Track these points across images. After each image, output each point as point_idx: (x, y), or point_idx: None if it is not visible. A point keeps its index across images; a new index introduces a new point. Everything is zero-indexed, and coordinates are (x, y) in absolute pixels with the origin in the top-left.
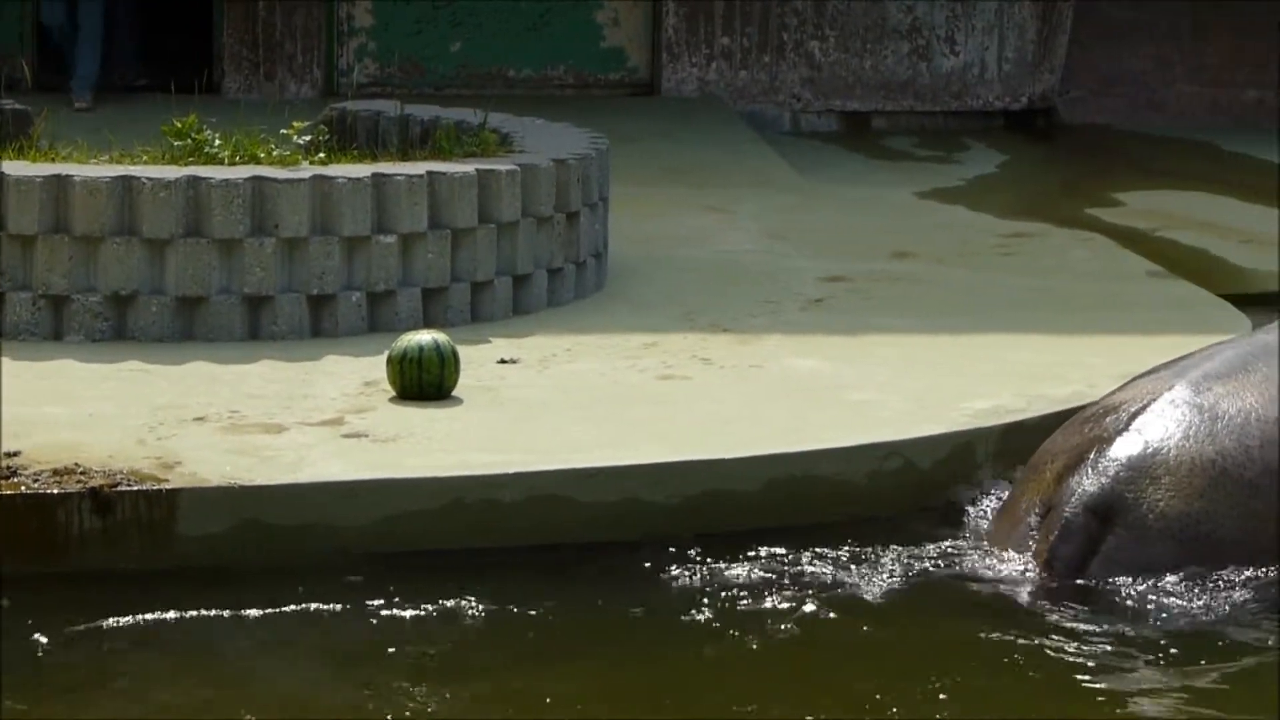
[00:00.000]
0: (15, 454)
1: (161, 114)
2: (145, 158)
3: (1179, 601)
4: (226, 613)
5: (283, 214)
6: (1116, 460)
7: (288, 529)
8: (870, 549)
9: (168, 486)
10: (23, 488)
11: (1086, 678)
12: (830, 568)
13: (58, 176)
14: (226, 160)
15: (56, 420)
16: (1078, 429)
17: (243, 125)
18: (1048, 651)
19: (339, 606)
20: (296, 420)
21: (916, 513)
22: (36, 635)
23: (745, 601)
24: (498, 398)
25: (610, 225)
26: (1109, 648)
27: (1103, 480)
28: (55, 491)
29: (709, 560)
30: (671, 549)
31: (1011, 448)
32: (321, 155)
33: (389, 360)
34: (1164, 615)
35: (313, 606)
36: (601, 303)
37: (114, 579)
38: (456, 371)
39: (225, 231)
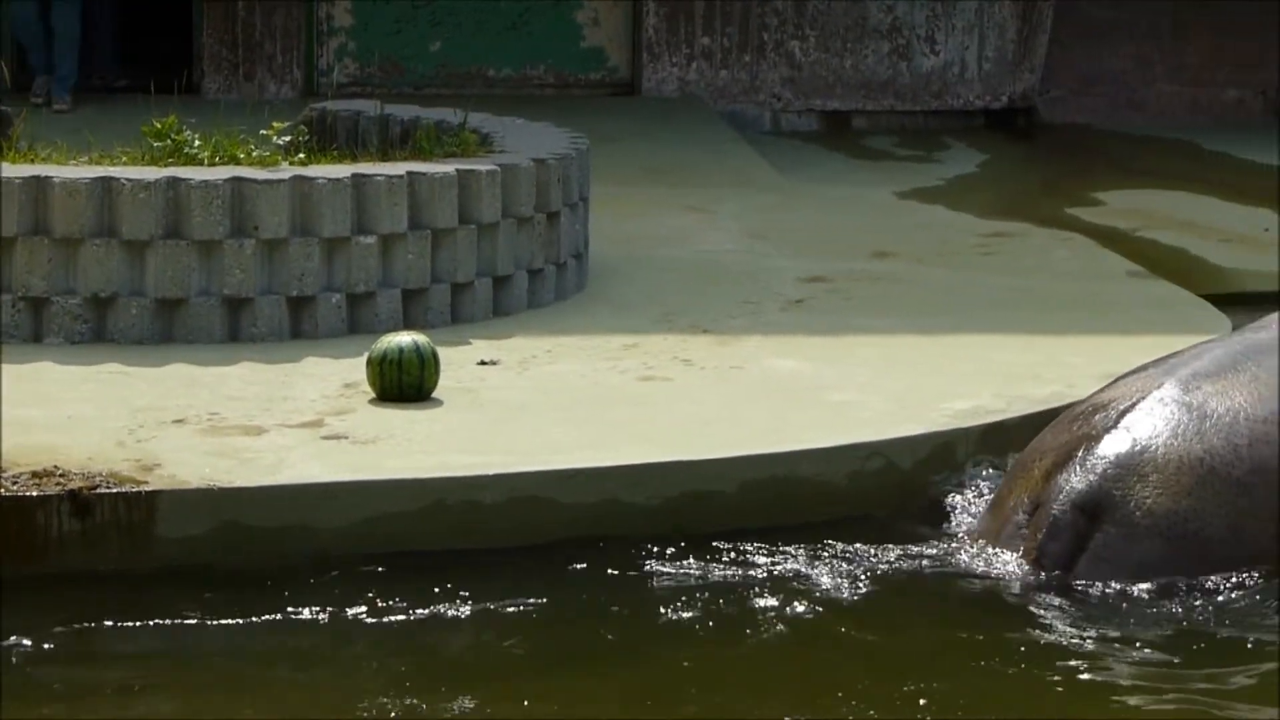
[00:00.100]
0: None
1: (141, 115)
2: (125, 159)
3: (1167, 599)
4: (207, 615)
5: (262, 215)
6: (1105, 458)
7: (267, 531)
8: (856, 548)
9: (147, 488)
10: (1, 490)
11: (1075, 675)
12: (817, 568)
13: (37, 178)
14: (206, 161)
15: (35, 422)
16: (1066, 427)
17: (222, 126)
18: (1037, 649)
19: (319, 608)
20: (276, 422)
21: (899, 512)
22: (14, 638)
23: (731, 602)
24: (478, 399)
25: (591, 225)
26: (1097, 645)
27: (1091, 478)
28: (34, 494)
29: (692, 560)
30: (653, 550)
31: (992, 447)
32: (301, 156)
33: (369, 362)
34: (1152, 612)
35: (293, 608)
36: (582, 304)
37: (93, 581)
38: (436, 373)
39: (205, 233)
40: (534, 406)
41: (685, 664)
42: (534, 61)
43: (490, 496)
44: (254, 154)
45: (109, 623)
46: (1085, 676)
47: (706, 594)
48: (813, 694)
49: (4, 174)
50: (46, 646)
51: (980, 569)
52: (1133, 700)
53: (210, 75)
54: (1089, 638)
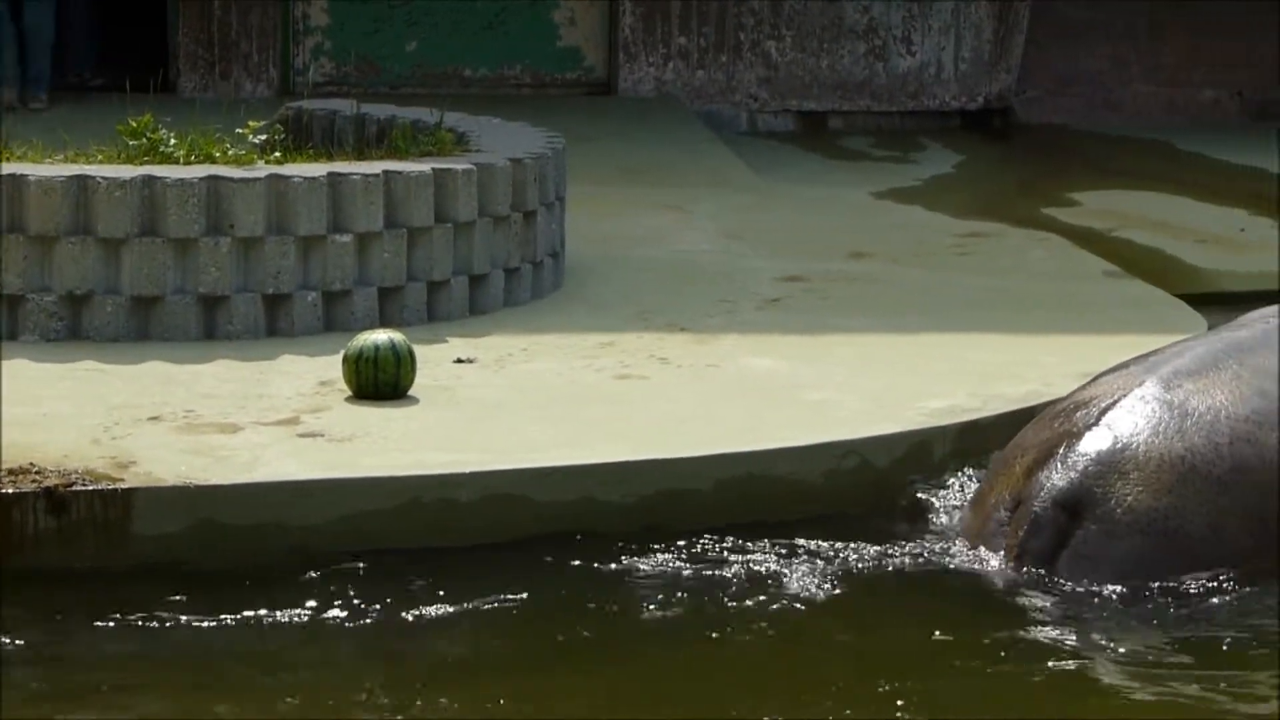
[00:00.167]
0: None
1: (117, 113)
2: (100, 157)
3: (1147, 596)
4: (182, 613)
5: (238, 213)
6: (1086, 455)
7: (243, 528)
8: (834, 546)
9: (123, 486)
10: None
11: (1057, 672)
12: (795, 566)
13: (12, 176)
14: (182, 159)
15: (11, 420)
16: (1048, 424)
17: (198, 124)
18: (1018, 646)
19: (295, 606)
20: (252, 420)
21: (875, 511)
22: None
23: (708, 600)
24: (454, 397)
25: (567, 225)
26: (1078, 642)
27: (1072, 475)
28: (10, 491)
29: (668, 559)
30: (629, 548)
31: (968, 446)
32: (277, 154)
33: (345, 360)
34: (1132, 609)
35: (269, 607)
36: (558, 302)
37: (69, 579)
38: (413, 371)
39: (180, 231)
40: (510, 405)
41: (663, 662)
42: (510, 61)
43: (466, 494)
44: (230, 153)
45: (84, 620)
46: (1066, 674)
47: (683, 592)
48: (794, 691)
49: None
50: (21, 644)
51: (962, 566)
52: (1113, 697)
53: (186, 74)
54: (1070, 635)
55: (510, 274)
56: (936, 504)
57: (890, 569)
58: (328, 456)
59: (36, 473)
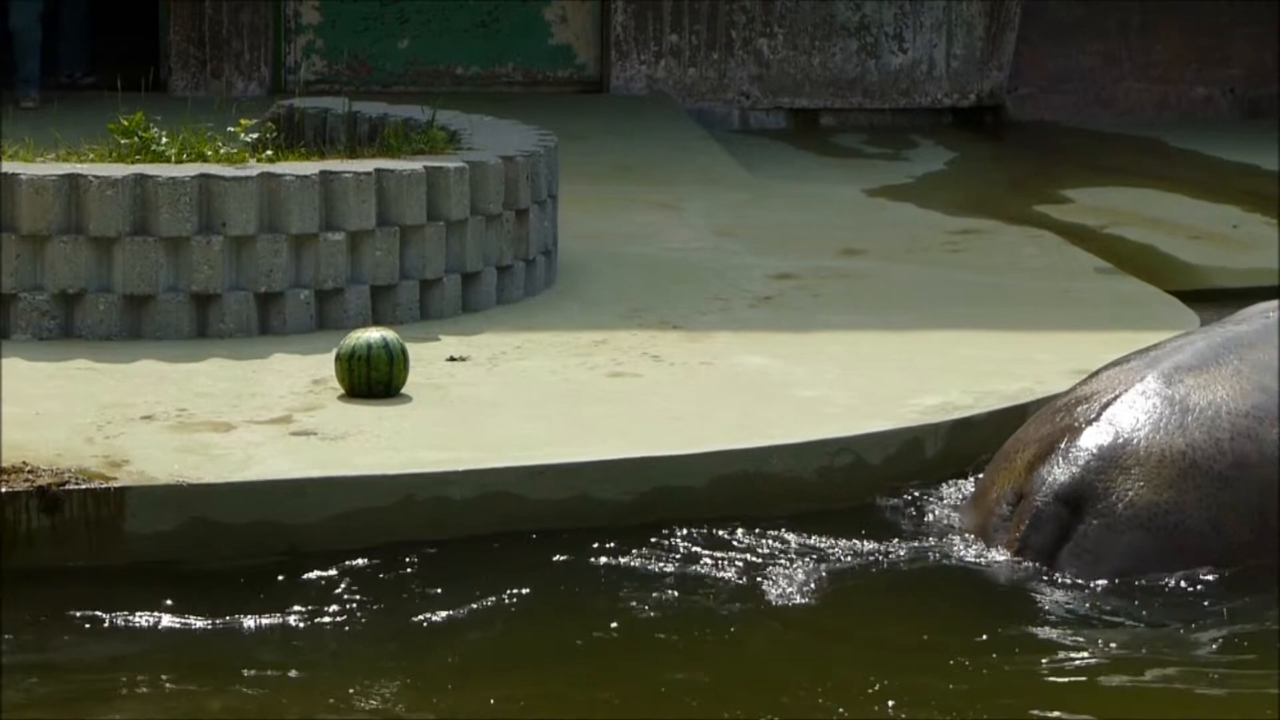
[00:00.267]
0: None
1: (108, 112)
2: (92, 156)
3: (1148, 590)
4: (176, 611)
5: (230, 212)
6: (1087, 450)
7: (236, 527)
8: (832, 542)
9: (116, 485)
10: None
11: (1058, 666)
12: (791, 562)
13: (3, 175)
14: (174, 158)
15: (4, 419)
16: (1049, 418)
17: (190, 123)
18: (1019, 640)
19: (288, 605)
20: (245, 418)
21: (872, 507)
22: None
23: (704, 597)
24: (447, 396)
25: (560, 223)
26: (1079, 636)
27: (1074, 470)
28: (3, 490)
29: (662, 556)
30: (623, 545)
31: (961, 443)
32: (269, 153)
33: (337, 358)
34: (1133, 604)
35: (262, 605)
36: (551, 300)
37: (63, 578)
38: (406, 369)
39: (172, 229)
40: (503, 403)
41: (658, 661)
42: (502, 59)
43: (460, 492)
44: (222, 151)
45: (78, 619)
46: (1067, 667)
47: (677, 590)
48: (793, 688)
49: None
50: (14, 643)
51: (963, 561)
52: (1114, 693)
53: (178, 72)
54: (1071, 629)
55: (503, 272)
56: (933, 500)
57: (892, 564)
58: (321, 455)
59: (29, 472)
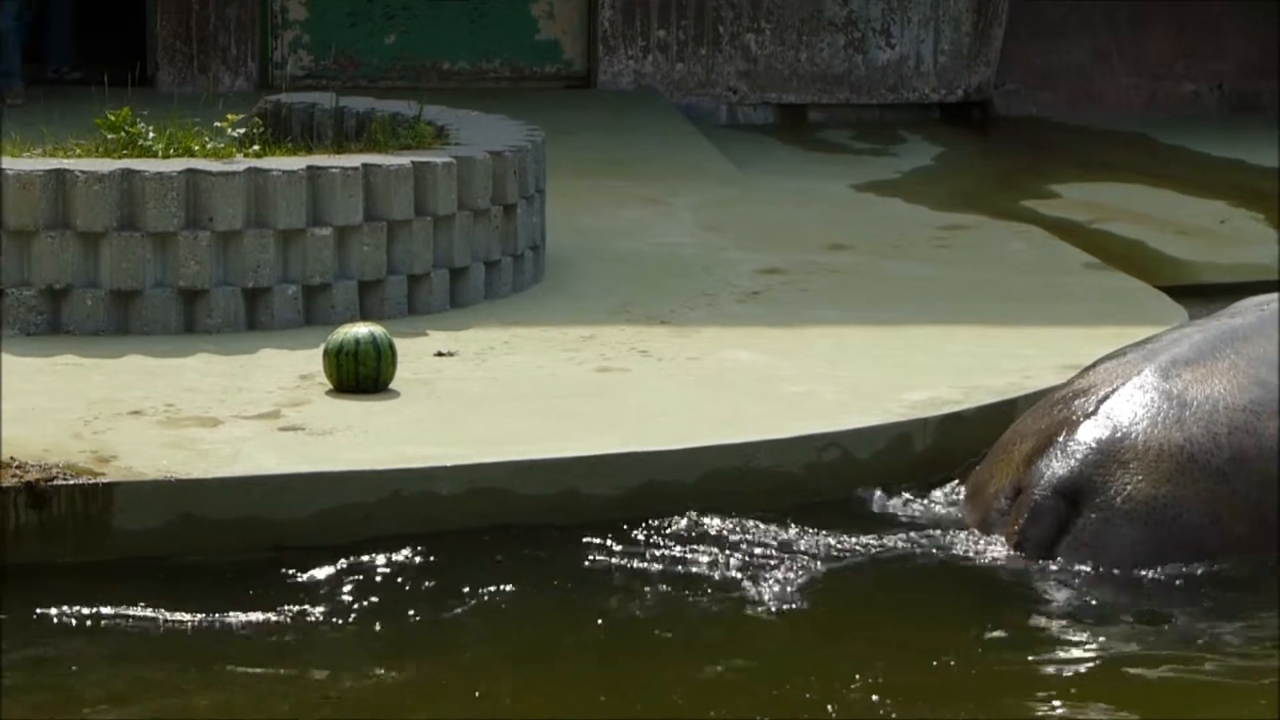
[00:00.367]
0: None
1: (95, 107)
2: (79, 151)
3: (1146, 583)
4: (164, 607)
5: (217, 207)
6: (1086, 444)
7: (224, 522)
8: (825, 537)
9: (104, 480)
10: None
11: (1056, 659)
12: (784, 557)
13: None
14: (160, 153)
15: None
16: (1047, 411)
17: (177, 118)
18: (1018, 633)
19: (276, 600)
20: (232, 414)
21: (865, 501)
22: None
23: (692, 592)
24: (435, 391)
25: (547, 218)
26: (1078, 629)
27: (1072, 463)
28: None
29: (650, 551)
30: (611, 540)
31: (949, 438)
32: (256, 148)
33: (325, 353)
34: (1132, 597)
35: (250, 601)
36: (539, 295)
37: (51, 573)
38: (393, 364)
39: (159, 224)
40: (491, 398)
41: (649, 656)
42: (489, 54)
43: (448, 488)
44: (208, 146)
45: (66, 615)
46: (1065, 661)
47: (665, 585)
48: (788, 684)
49: None
50: (3, 639)
51: (962, 554)
52: (1112, 685)
53: (164, 68)
54: (1069, 622)
55: (490, 267)
56: (927, 494)
57: (887, 560)
58: (308, 450)
59: (17, 467)
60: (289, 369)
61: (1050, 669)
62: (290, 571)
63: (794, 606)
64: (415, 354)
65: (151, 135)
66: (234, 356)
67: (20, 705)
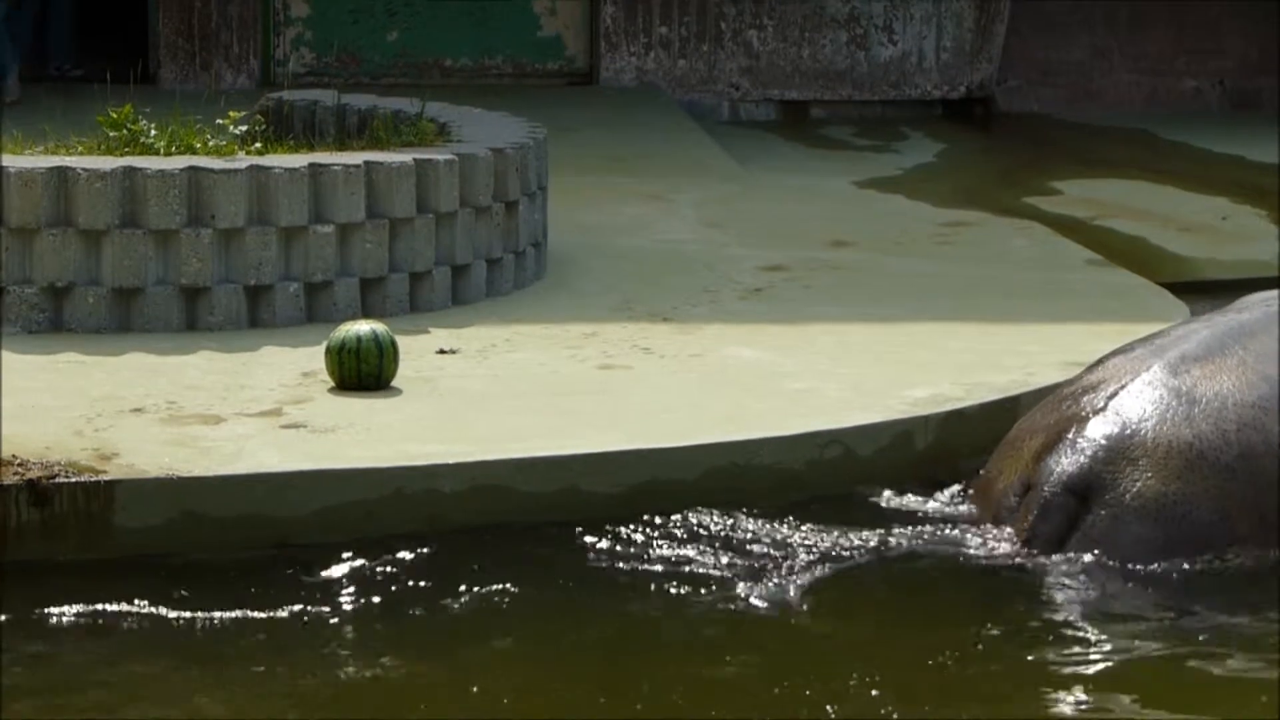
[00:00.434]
0: None
1: (97, 105)
2: (81, 149)
3: (1155, 580)
4: (166, 605)
5: (219, 204)
6: (1095, 440)
7: (226, 520)
8: (827, 534)
9: (106, 478)
10: None
11: (1067, 656)
12: (786, 555)
13: None
14: (162, 151)
15: None
16: (1056, 407)
17: (179, 116)
18: (1028, 630)
19: (279, 599)
20: (234, 411)
21: (866, 499)
22: None
23: (695, 590)
24: (437, 388)
25: (549, 215)
26: (1088, 626)
27: (1082, 460)
28: None
29: (653, 549)
30: (613, 537)
31: (951, 435)
32: (258, 145)
33: (327, 351)
34: (1141, 594)
35: (252, 599)
36: (541, 293)
37: (52, 571)
38: (395, 362)
39: (161, 222)
40: (493, 395)
41: (651, 654)
42: (491, 51)
43: (450, 485)
44: (210, 144)
45: (67, 613)
46: (1074, 658)
47: (668, 583)
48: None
49: None
50: (4, 636)
51: (970, 550)
52: (1121, 683)
53: (166, 65)
54: (1078, 619)
55: (492, 264)
56: (934, 491)
57: (894, 557)
58: (310, 447)
59: (19, 465)
60: (291, 366)
61: (1057, 666)
62: (292, 569)
63: (795, 605)
64: (417, 351)
65: (153, 133)
66: (236, 354)
67: (20, 703)
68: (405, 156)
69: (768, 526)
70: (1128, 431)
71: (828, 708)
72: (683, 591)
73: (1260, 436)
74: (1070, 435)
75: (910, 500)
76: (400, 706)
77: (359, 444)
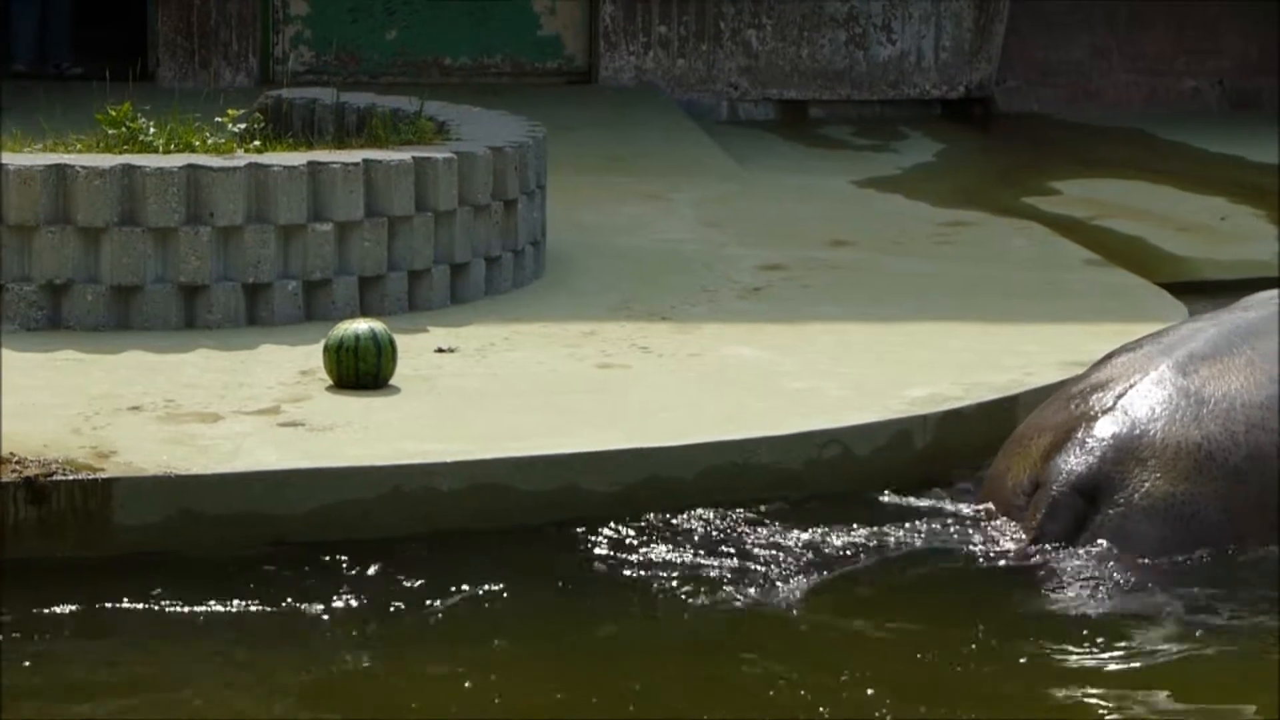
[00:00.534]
0: None
1: (96, 102)
2: (79, 146)
3: (1164, 581)
4: (163, 603)
5: (218, 202)
6: (1104, 440)
7: (224, 518)
8: (827, 534)
9: (103, 476)
10: None
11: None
12: (786, 554)
13: None
14: (161, 148)
15: None
16: (1064, 405)
17: (178, 113)
18: (1037, 629)
19: (277, 597)
20: (232, 409)
21: (866, 498)
22: None
23: (695, 588)
24: (435, 387)
25: (548, 214)
26: (1096, 626)
27: (1090, 460)
28: None
29: (651, 548)
30: (612, 536)
31: (950, 435)
32: (257, 143)
33: (326, 349)
34: (1149, 594)
35: (250, 597)
36: (540, 291)
37: (50, 568)
38: (394, 361)
39: (160, 220)
40: (492, 394)
41: (650, 654)
42: (490, 50)
43: (448, 484)
44: (209, 141)
45: (65, 610)
46: (1082, 658)
47: (667, 582)
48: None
49: None
50: (2, 634)
51: (977, 549)
52: (1128, 682)
53: (165, 63)
54: (1087, 619)
55: (491, 263)
56: (933, 490)
57: (901, 556)
58: (308, 446)
59: (17, 462)
60: (289, 365)
61: (1059, 666)
62: (290, 567)
63: (795, 604)
64: (415, 350)
65: (152, 130)
66: (234, 352)
67: (20, 702)
68: (404, 155)
69: (767, 526)
70: (1136, 432)
71: (827, 708)
72: (682, 591)
73: (1269, 437)
74: (1079, 434)
75: (909, 500)
76: (399, 705)
77: (357, 442)
